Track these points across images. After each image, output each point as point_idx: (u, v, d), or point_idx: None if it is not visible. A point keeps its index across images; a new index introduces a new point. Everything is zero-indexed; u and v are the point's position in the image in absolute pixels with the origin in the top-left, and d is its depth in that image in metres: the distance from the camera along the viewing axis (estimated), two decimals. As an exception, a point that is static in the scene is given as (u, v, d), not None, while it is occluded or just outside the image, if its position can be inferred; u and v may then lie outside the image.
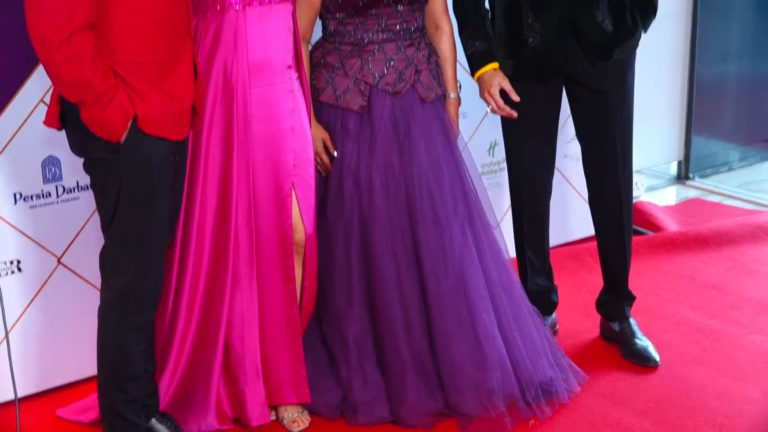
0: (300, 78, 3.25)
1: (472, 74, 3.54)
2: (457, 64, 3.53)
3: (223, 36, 3.08)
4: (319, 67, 3.37)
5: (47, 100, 3.26)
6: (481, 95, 3.53)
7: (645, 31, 3.61)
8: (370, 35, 3.32)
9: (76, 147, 2.85)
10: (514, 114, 3.46)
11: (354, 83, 3.33)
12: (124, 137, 2.72)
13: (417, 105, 3.37)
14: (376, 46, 3.33)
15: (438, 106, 3.43)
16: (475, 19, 3.51)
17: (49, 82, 2.78)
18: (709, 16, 5.52)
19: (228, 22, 3.07)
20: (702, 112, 5.67)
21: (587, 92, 3.59)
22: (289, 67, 3.20)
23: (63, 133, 2.86)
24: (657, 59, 5.15)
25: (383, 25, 3.32)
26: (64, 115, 2.80)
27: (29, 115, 3.36)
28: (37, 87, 3.34)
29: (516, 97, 3.45)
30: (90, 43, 2.61)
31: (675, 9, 5.30)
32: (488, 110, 3.52)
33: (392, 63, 3.33)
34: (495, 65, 3.49)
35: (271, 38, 3.12)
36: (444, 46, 3.49)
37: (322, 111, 3.37)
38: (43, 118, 2.86)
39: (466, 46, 3.54)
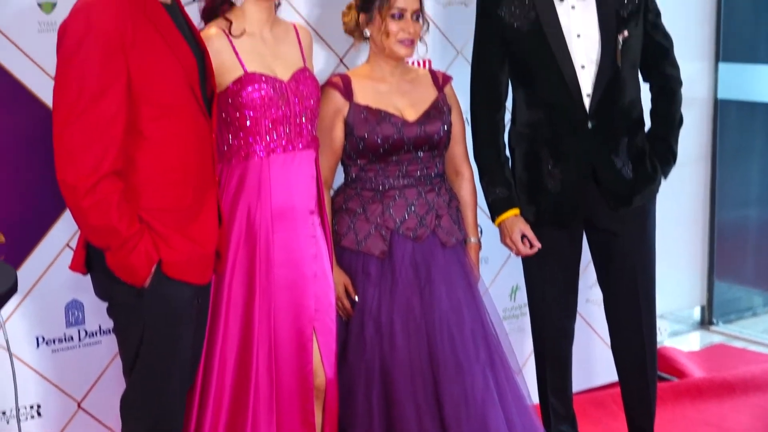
0: (322, 223, 3.29)
1: (493, 220, 3.57)
2: (478, 209, 3.56)
3: (247, 182, 3.13)
4: (340, 212, 3.41)
5: (73, 244, 3.31)
6: (503, 241, 3.56)
7: (665, 178, 3.64)
8: (391, 181, 3.37)
9: (101, 291, 2.86)
10: (538, 246, 3.49)
11: (375, 228, 3.36)
12: (148, 282, 2.73)
13: (438, 250, 3.39)
14: (397, 192, 3.37)
15: (459, 251, 3.45)
16: (495, 166, 3.56)
17: (75, 227, 2.82)
18: (728, 161, 5.57)
19: (252, 169, 3.12)
20: (724, 256, 5.66)
21: (608, 237, 3.60)
22: (312, 212, 3.23)
23: (87, 277, 2.87)
24: (677, 204, 5.18)
25: (404, 171, 3.37)
26: (90, 259, 2.82)
27: (55, 260, 3.40)
28: (64, 232, 3.39)
29: (537, 244, 3.48)
30: (117, 189, 2.64)
31: (694, 154, 5.35)
32: (511, 254, 3.54)
33: (413, 208, 3.37)
34: (516, 211, 3.52)
35: (294, 184, 3.17)
36: (464, 192, 3.54)
37: (343, 256, 3.39)
38: (69, 263, 2.88)
39: (486, 193, 3.58)
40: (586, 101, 3.45)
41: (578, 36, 3.45)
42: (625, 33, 3.46)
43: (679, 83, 3.66)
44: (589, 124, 3.45)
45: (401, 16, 3.32)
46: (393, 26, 3.33)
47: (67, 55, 2.62)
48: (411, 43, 3.36)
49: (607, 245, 3.62)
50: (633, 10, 3.50)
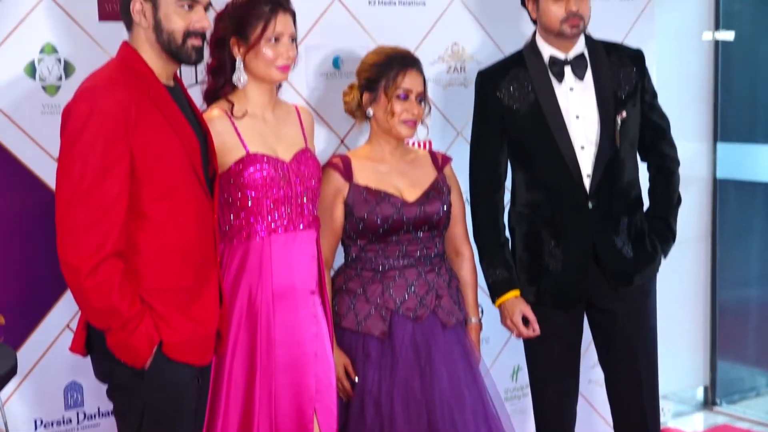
0: (323, 303, 3.28)
1: (494, 302, 3.57)
2: (479, 289, 3.56)
3: (248, 262, 3.13)
4: (341, 292, 3.41)
5: (73, 326, 3.30)
6: (503, 322, 3.56)
7: (665, 257, 3.65)
8: (391, 261, 3.37)
9: (101, 373, 2.84)
10: (538, 332, 3.48)
11: (375, 309, 3.35)
12: (148, 363, 2.72)
13: (438, 330, 3.38)
14: (397, 272, 3.37)
15: (459, 331, 3.44)
16: (494, 248, 3.57)
17: (75, 308, 2.81)
18: (729, 241, 5.57)
19: (253, 249, 3.13)
20: (726, 336, 5.63)
21: (608, 317, 3.59)
22: (313, 292, 3.23)
23: (87, 359, 2.86)
24: (678, 284, 5.18)
25: (404, 251, 3.38)
26: (90, 341, 2.81)
27: (54, 341, 3.39)
28: (63, 313, 3.38)
29: (537, 328, 3.49)
30: (118, 270, 2.65)
31: (694, 233, 5.36)
32: (512, 335, 3.53)
33: (413, 289, 3.37)
34: (516, 293, 3.52)
35: (295, 264, 3.17)
36: (464, 272, 3.55)
37: (343, 336, 3.38)
38: (69, 344, 2.87)
39: (486, 275, 3.58)
40: (586, 182, 3.47)
41: (577, 117, 3.48)
42: (624, 114, 3.49)
43: (677, 163, 3.69)
44: (590, 205, 3.47)
45: (406, 97, 3.36)
46: (398, 107, 3.36)
47: (71, 136, 2.65)
48: (414, 124, 3.39)
49: (607, 325, 3.61)
50: (630, 92, 3.54)
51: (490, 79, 3.58)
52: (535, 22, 3.57)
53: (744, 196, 5.74)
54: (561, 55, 3.51)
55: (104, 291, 2.62)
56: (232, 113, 3.14)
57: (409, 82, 3.36)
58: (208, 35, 2.94)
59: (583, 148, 3.47)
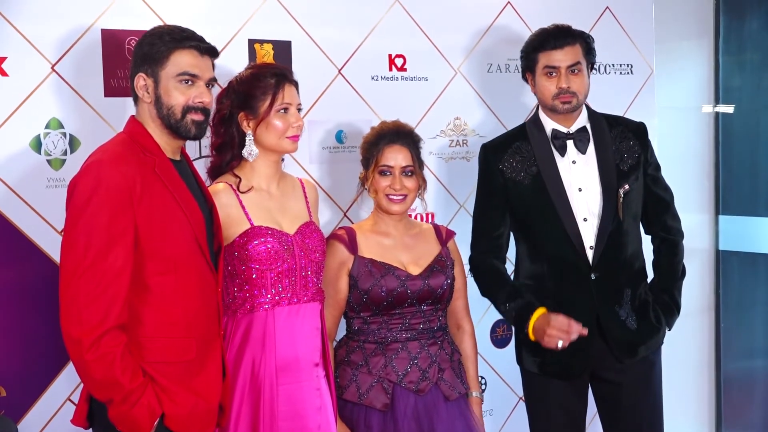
0: (327, 375, 3.28)
1: (524, 329, 3.47)
2: (481, 359, 3.54)
3: (252, 334, 3.13)
4: (343, 364, 3.40)
5: (75, 398, 3.29)
6: (545, 344, 3.40)
7: (669, 329, 3.64)
8: (394, 334, 3.37)
9: (103, 446, 2.83)
10: (584, 331, 3.37)
11: (377, 381, 3.33)
12: (150, 436, 2.71)
13: (441, 403, 3.36)
14: (400, 345, 3.36)
15: (462, 405, 3.42)
16: (506, 288, 3.55)
17: (76, 381, 2.81)
18: (732, 312, 5.57)
19: (257, 321, 3.13)
20: (731, 408, 5.60)
21: (613, 389, 3.58)
22: (317, 364, 3.22)
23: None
24: (683, 355, 5.16)
25: (407, 324, 3.37)
26: (92, 414, 2.80)
27: (55, 414, 3.37)
28: (65, 385, 3.37)
29: (579, 326, 3.36)
30: (121, 342, 2.65)
31: (698, 305, 5.36)
32: (559, 346, 3.38)
33: (416, 361, 3.35)
34: (542, 310, 3.45)
35: (298, 337, 3.17)
36: (466, 345, 3.55)
37: (345, 408, 3.36)
38: (70, 417, 2.86)
39: (507, 313, 3.54)
40: (589, 254, 3.48)
41: (579, 190, 3.50)
42: (626, 186, 3.51)
43: (681, 235, 3.70)
44: (593, 276, 3.47)
45: (389, 172, 3.39)
46: (381, 182, 3.39)
47: (76, 209, 2.67)
48: (401, 199, 3.40)
49: (612, 396, 3.59)
50: (633, 164, 3.56)
51: (493, 152, 3.61)
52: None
53: (747, 268, 5.74)
54: (563, 129, 3.54)
55: (106, 364, 2.62)
56: (238, 188, 3.16)
57: (390, 157, 3.39)
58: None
59: (585, 220, 3.48)
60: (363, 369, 3.36)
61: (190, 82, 2.84)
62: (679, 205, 3.72)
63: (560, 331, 3.36)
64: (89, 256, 2.63)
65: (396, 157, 3.39)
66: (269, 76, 3.18)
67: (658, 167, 3.69)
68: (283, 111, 3.17)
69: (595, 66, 3.64)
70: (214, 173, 3.26)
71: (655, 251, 3.71)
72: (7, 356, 3.32)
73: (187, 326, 2.80)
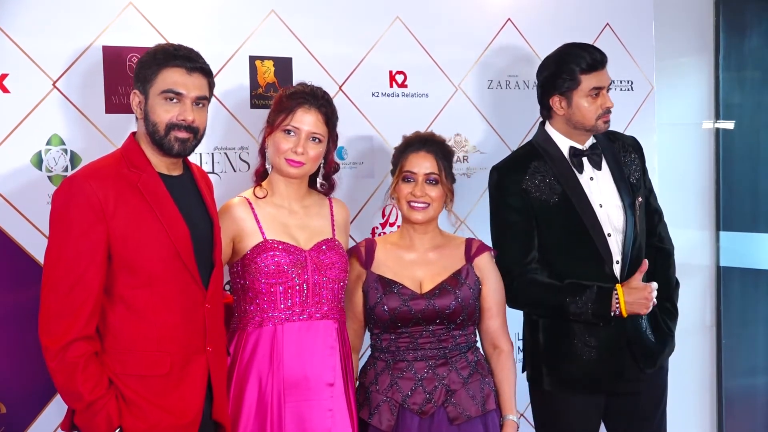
0: (347, 395, 3.20)
1: (612, 312, 3.43)
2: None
3: (259, 349, 3.11)
4: (360, 380, 3.36)
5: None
6: (644, 310, 3.43)
7: (673, 335, 3.66)
8: (402, 353, 3.30)
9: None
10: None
11: (384, 401, 3.27)
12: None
13: (445, 426, 3.25)
14: (406, 364, 3.29)
15: (475, 427, 3.27)
16: (560, 288, 3.48)
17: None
18: (734, 329, 5.55)
19: (265, 336, 3.11)
20: (733, 425, 5.58)
21: (628, 402, 3.58)
22: (330, 384, 3.16)
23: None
24: (685, 372, 5.13)
25: (415, 343, 3.30)
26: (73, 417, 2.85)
27: (55, 431, 3.36)
28: (60, 409, 3.36)
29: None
30: (85, 353, 2.71)
31: (699, 321, 5.35)
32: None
33: (421, 382, 3.28)
34: (619, 286, 3.44)
35: (308, 354, 3.13)
36: (501, 367, 3.39)
37: (360, 427, 3.28)
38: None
39: (582, 306, 3.44)
40: (616, 268, 3.50)
41: (600, 206, 3.52)
42: (640, 199, 3.56)
43: (673, 246, 3.76)
44: None
45: (411, 179, 3.32)
46: (404, 189, 3.33)
47: (52, 224, 2.76)
48: (424, 207, 3.32)
49: (626, 409, 3.60)
50: (639, 177, 3.62)
51: (513, 173, 3.56)
52: (548, 116, 3.60)
53: (748, 284, 5.73)
54: (580, 146, 3.55)
55: (68, 372, 2.69)
56: (254, 193, 3.20)
57: (414, 163, 3.32)
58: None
59: (609, 235, 3.50)
60: (373, 387, 3.30)
61: (174, 100, 2.87)
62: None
63: (646, 290, 3.40)
64: (59, 270, 2.72)
65: (421, 163, 3.31)
66: (297, 96, 3.19)
67: (648, 177, 3.75)
68: (287, 132, 3.17)
69: None
70: (257, 177, 3.30)
71: (651, 261, 3.71)
72: (6, 373, 3.31)
73: (161, 341, 2.82)
